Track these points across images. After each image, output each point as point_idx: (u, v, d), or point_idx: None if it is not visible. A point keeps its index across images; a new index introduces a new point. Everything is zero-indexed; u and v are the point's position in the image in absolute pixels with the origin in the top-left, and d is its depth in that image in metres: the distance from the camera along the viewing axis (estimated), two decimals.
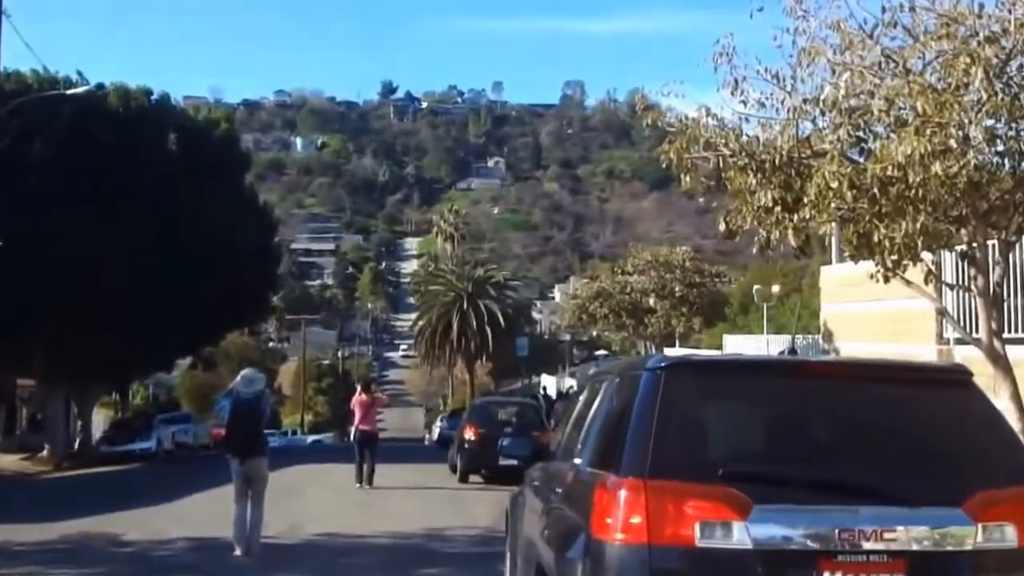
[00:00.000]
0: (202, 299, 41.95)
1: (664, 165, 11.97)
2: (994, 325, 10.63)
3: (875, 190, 9.86)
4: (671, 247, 69.76)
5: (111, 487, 30.94)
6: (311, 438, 73.66)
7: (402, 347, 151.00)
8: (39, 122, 38.23)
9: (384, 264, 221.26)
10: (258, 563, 15.24)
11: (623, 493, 5.85)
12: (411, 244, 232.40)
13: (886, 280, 10.91)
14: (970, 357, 10.95)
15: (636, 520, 5.78)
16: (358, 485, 24.99)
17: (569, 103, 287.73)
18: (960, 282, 13.18)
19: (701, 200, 12.94)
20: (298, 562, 15.44)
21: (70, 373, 43.46)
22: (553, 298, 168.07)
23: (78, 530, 18.87)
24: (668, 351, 41.63)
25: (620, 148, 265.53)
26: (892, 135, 9.95)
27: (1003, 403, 9.57)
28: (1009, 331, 12.37)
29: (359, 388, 27.40)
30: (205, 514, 19.39)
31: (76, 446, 47.35)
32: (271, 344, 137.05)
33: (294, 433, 77.26)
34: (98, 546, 17.16)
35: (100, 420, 57.25)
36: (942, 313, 13.74)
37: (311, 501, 22.63)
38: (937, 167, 9.31)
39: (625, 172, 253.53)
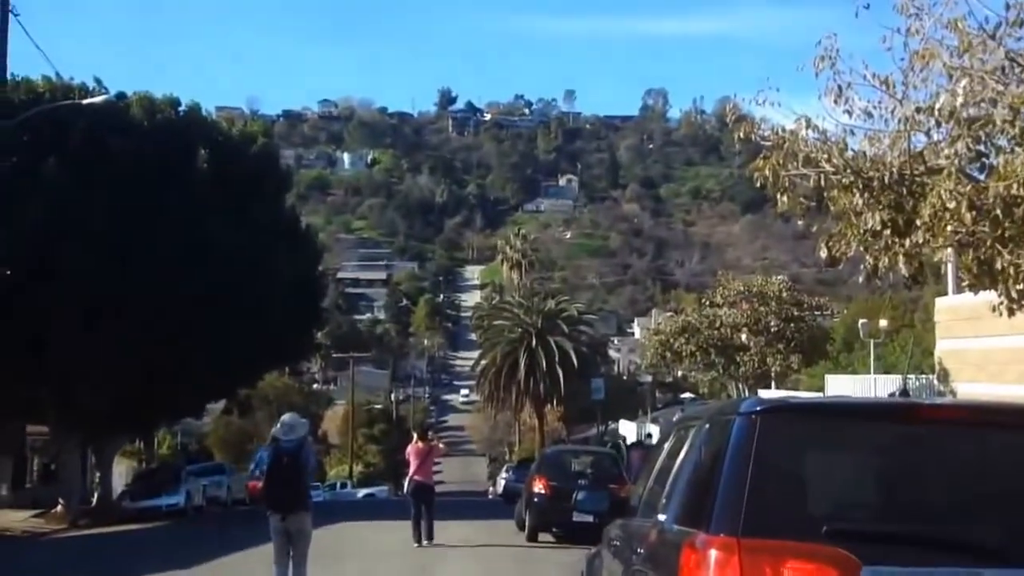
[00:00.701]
0: (237, 336, 41.15)
1: (758, 184, 12.04)
2: None
3: (998, 211, 9.82)
4: (766, 276, 69.27)
5: (133, 547, 31.18)
6: (362, 492, 73.77)
7: (463, 390, 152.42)
8: (52, 136, 38.12)
9: (442, 296, 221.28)
10: None
11: (714, 553, 5.84)
12: (472, 273, 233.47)
13: (1011, 313, 10.84)
14: None
15: None
16: (415, 544, 25.32)
17: (650, 114, 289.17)
18: None
19: (800, 223, 12.99)
20: None
21: (87, 419, 42.51)
22: (632, 334, 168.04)
23: None
24: (763, 393, 41.29)
25: (708, 165, 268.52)
26: (1017, 148, 9.90)
27: None
28: None
29: (415, 435, 27.86)
30: None
31: (94, 501, 47.04)
32: (315, 386, 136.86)
33: (342, 486, 77.42)
34: None
35: (121, 471, 57.24)
36: None
37: (360, 563, 22.72)
38: None
39: (713, 192, 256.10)
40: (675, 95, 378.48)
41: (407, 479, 27.25)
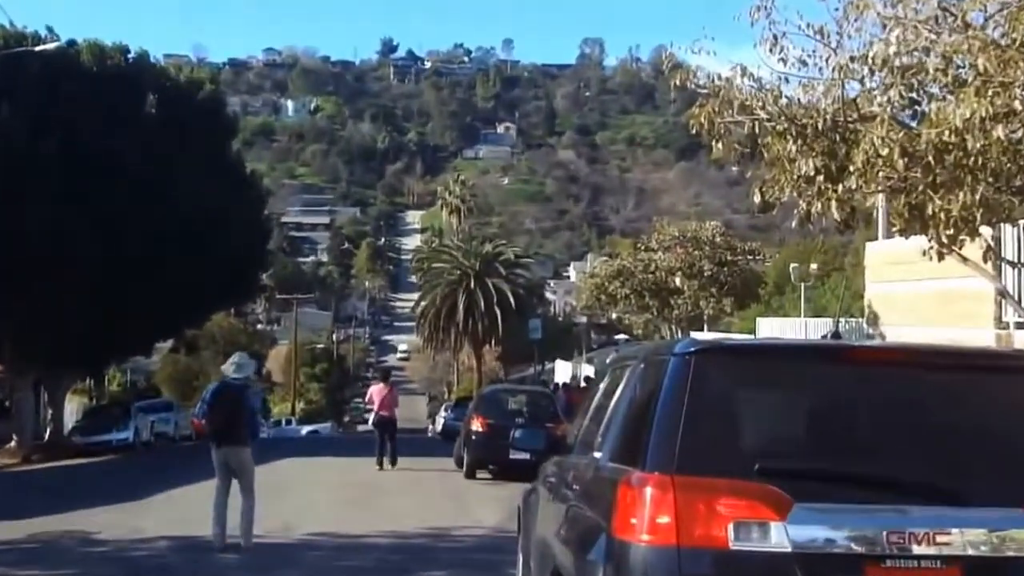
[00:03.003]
0: (184, 277, 41.50)
1: (693, 131, 12.00)
2: None
3: (930, 157, 9.78)
4: (700, 221, 68.94)
5: (84, 481, 31.04)
6: (305, 428, 72.60)
7: (400, 346, 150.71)
8: (5, 82, 37.84)
9: (383, 240, 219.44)
10: (247, 562, 15.27)
11: (649, 490, 5.80)
12: (413, 218, 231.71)
13: (940, 257, 10.84)
14: None
15: (664, 520, 5.73)
16: (378, 468, 28.10)
17: (587, 63, 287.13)
18: (1022, 260, 13.09)
19: (734, 169, 12.96)
20: (291, 563, 15.46)
21: (40, 357, 43.28)
22: (568, 277, 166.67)
23: (48, 528, 18.90)
24: (697, 335, 41.30)
25: (643, 113, 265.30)
26: (949, 96, 9.86)
27: None
28: None
29: (379, 377, 32.78)
30: (188, 511, 19.40)
31: (47, 437, 47.32)
32: (260, 326, 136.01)
33: (287, 423, 76.64)
34: (69, 545, 17.20)
35: (73, 408, 57.27)
36: (1002, 294, 13.67)
37: (304, 497, 22.68)
38: (999, 131, 9.20)
39: (648, 139, 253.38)
40: (612, 44, 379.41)
41: (373, 414, 29.97)
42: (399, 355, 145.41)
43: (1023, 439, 6.13)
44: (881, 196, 11.37)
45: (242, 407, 16.21)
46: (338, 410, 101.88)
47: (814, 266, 49.70)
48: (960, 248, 10.75)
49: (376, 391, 29.89)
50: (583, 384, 46.70)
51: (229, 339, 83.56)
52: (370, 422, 31.96)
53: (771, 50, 11.08)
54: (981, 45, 9.45)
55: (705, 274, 58.38)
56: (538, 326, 72.54)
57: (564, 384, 50.51)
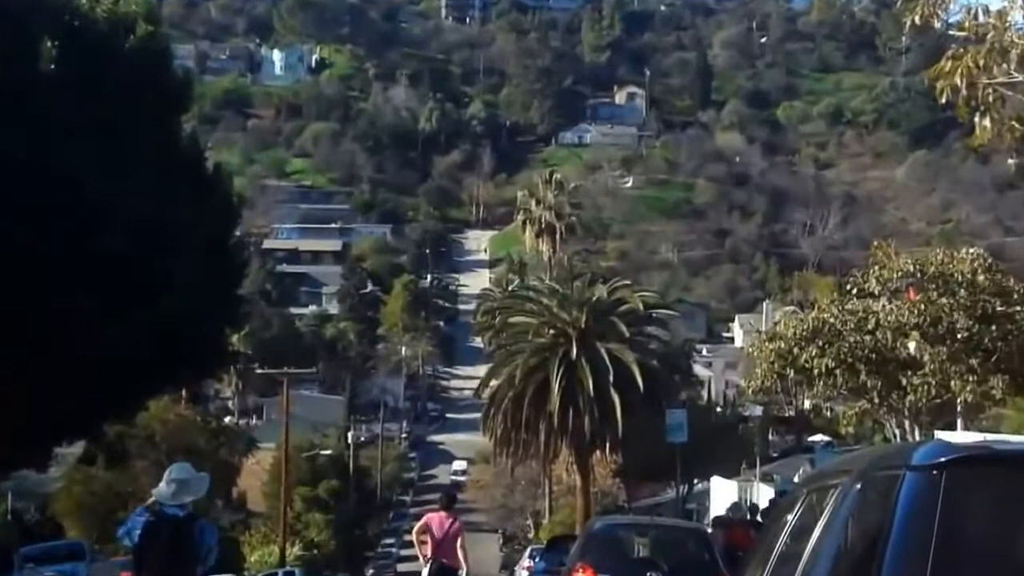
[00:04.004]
0: (103, 339, 26.14)
1: (941, 99, 8.76)
2: None
3: None
4: (950, 248, 50.19)
5: None
6: None
7: (456, 463, 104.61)
8: None
9: (429, 278, 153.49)
10: None
11: None
12: (477, 242, 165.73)
13: None
14: None
15: None
16: None
17: None
18: None
19: (1010, 162, 9.72)
20: None
21: None
22: (732, 340, 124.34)
23: None
24: (945, 435, 29.45)
25: (855, 70, 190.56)
26: None
27: None
28: None
29: (441, 504, 22.30)
30: None
31: None
32: (228, 420, 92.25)
33: None
34: None
35: None
36: None
37: None
38: None
39: (864, 114, 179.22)
40: None
41: (426, 559, 21.11)
42: (453, 473, 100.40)
43: None
44: None
45: (189, 554, 11.59)
46: (355, 558, 73.37)
47: None
48: None
49: (434, 521, 20.86)
50: (753, 517, 32.55)
51: (177, 441, 58.32)
52: (423, 573, 21.64)
53: None
54: None
55: (959, 336, 42.37)
56: (682, 422, 47.60)
57: (719, 518, 33.64)
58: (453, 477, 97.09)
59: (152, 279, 27.48)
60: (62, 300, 25.70)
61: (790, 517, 6.53)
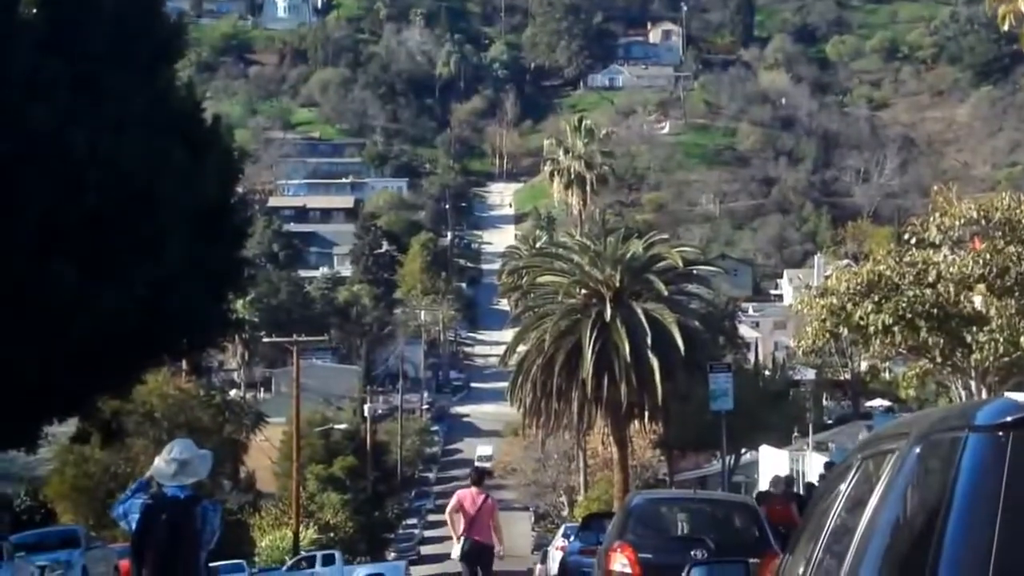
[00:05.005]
0: (95, 308, 24.76)
1: (1004, 26, 8.47)
2: None
3: None
4: (1018, 193, 45.85)
5: None
6: (364, 570, 48.87)
7: (480, 448, 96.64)
8: None
9: (450, 236, 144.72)
10: None
11: None
12: (501, 196, 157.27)
13: None
14: None
15: None
16: None
17: None
18: None
19: None
20: None
21: None
22: (780, 298, 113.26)
23: None
24: (1015, 395, 26.65)
25: (910, 0, 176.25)
26: None
27: None
28: None
29: (471, 479, 21.72)
30: None
31: None
32: (233, 393, 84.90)
33: (279, 566, 51.11)
34: None
35: None
36: None
37: None
38: None
39: (922, 48, 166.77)
40: None
41: (461, 538, 20.34)
42: (478, 459, 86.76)
43: None
44: None
45: (191, 540, 10.70)
46: (374, 540, 69.62)
47: None
48: None
49: (467, 499, 20.24)
50: (790, 489, 31.63)
51: (177, 417, 55.39)
52: (454, 551, 21.15)
53: None
54: None
55: None
56: (728, 387, 41.81)
57: (761, 493, 32.65)
58: (479, 464, 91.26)
59: (140, 243, 25.44)
60: (48, 266, 23.72)
61: (843, 487, 5.91)
